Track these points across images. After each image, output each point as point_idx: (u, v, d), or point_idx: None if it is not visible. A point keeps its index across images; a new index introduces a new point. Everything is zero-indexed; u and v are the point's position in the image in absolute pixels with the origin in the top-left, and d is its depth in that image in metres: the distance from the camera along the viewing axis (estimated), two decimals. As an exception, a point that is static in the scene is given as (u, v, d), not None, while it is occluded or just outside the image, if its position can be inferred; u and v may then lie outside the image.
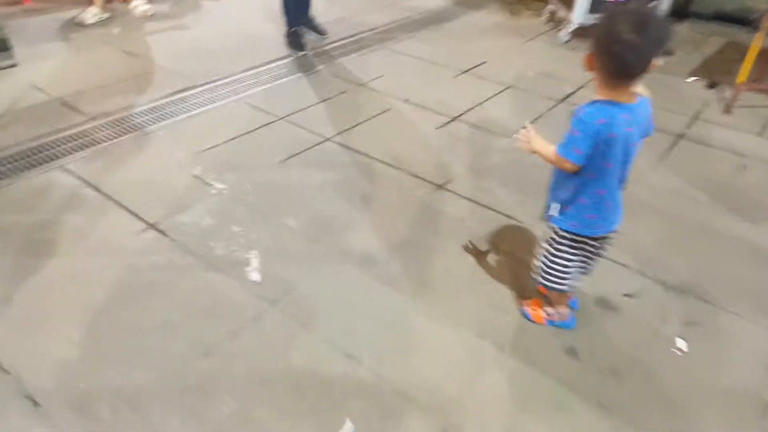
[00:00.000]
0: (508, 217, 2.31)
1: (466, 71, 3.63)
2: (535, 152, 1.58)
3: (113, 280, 1.90)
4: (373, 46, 3.96)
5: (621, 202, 1.58)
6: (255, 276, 1.93)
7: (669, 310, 1.90)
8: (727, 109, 3.26)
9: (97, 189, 2.35)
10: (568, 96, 3.36)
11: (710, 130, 3.07)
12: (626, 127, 1.41)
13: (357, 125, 2.93)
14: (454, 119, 3.05)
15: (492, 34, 4.33)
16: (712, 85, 3.60)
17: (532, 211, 2.32)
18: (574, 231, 1.60)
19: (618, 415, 1.55)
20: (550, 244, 1.66)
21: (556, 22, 4.50)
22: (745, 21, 4.66)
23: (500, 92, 3.38)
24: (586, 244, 1.63)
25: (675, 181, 2.57)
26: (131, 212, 2.21)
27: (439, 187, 2.48)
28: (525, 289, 1.93)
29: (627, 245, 2.07)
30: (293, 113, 3.00)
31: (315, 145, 2.73)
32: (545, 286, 1.72)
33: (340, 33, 4.08)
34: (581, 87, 3.48)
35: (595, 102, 1.43)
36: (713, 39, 4.46)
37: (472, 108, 3.16)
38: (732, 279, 2.05)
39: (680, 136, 2.99)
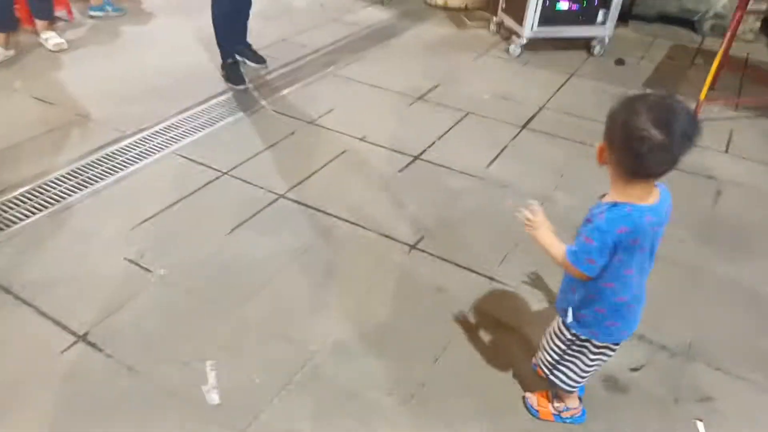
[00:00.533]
0: (491, 279, 2.10)
1: (421, 98, 3.40)
2: (538, 241, 1.35)
3: None
4: (319, 72, 3.66)
5: (645, 292, 1.37)
6: (213, 397, 1.62)
7: (680, 385, 1.74)
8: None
9: (7, 290, 1.97)
10: (529, 120, 3.19)
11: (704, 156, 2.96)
12: (651, 227, 1.21)
13: (312, 175, 2.64)
14: (416, 159, 2.81)
15: (441, 49, 4.12)
16: (620, 62, 3.53)
17: (516, 272, 2.13)
18: (594, 339, 1.39)
19: None
20: (564, 343, 1.45)
21: (504, 34, 4.34)
22: (686, 22, 4.67)
23: (459, 121, 3.17)
24: (609, 348, 1.42)
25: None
26: (53, 320, 1.85)
27: (413, 247, 2.24)
28: (526, 375, 1.73)
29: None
30: (238, 165, 2.67)
31: (267, 206, 2.42)
32: (554, 384, 1.52)
33: (280, 58, 3.76)
34: (541, 108, 3.32)
35: (615, 206, 1.20)
36: (659, 42, 4.42)
37: (432, 144, 2.93)
38: (733, 335, 1.92)
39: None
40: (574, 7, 3.91)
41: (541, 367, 1.55)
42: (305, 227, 2.32)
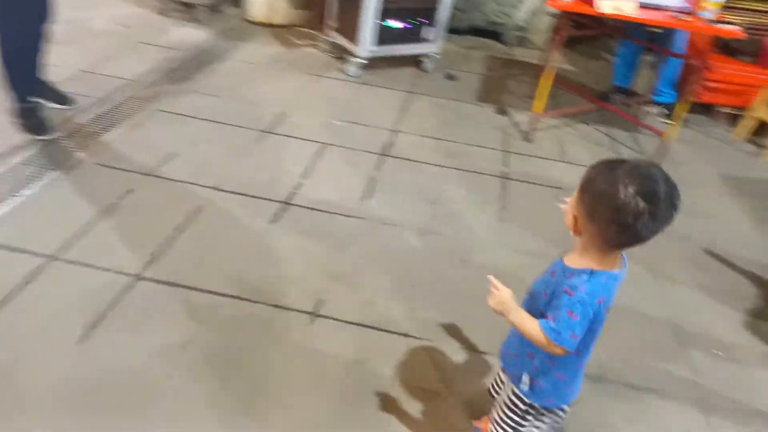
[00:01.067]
0: (406, 336, 1.96)
1: (268, 130, 3.11)
2: (513, 323, 1.23)
3: None
4: (143, 109, 3.13)
5: None
6: None
7: (606, 408, 1.79)
8: (527, 137, 3.40)
9: None
10: (388, 147, 3.11)
11: (524, 164, 3.14)
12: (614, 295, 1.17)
13: (170, 243, 2.22)
14: (286, 205, 2.54)
15: (274, 71, 3.84)
16: (450, 77, 3.74)
17: (428, 321, 2.02)
18: (551, 406, 1.33)
19: None
20: (518, 415, 1.36)
21: (336, 53, 4.21)
22: (494, 34, 5.04)
23: (318, 153, 2.96)
24: (562, 410, 1.37)
25: (528, 239, 2.52)
26: None
27: (313, 315, 1.99)
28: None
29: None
30: (68, 244, 2.13)
31: (122, 294, 1.96)
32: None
33: (89, 95, 3.14)
34: (394, 132, 3.27)
35: (592, 275, 1.12)
36: (475, 54, 4.69)
37: (298, 185, 2.69)
38: (631, 352, 2.05)
39: (506, 177, 2.99)
40: (405, 25, 3.94)
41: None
42: (180, 314, 1.92)
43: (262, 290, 2.05)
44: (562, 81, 4.29)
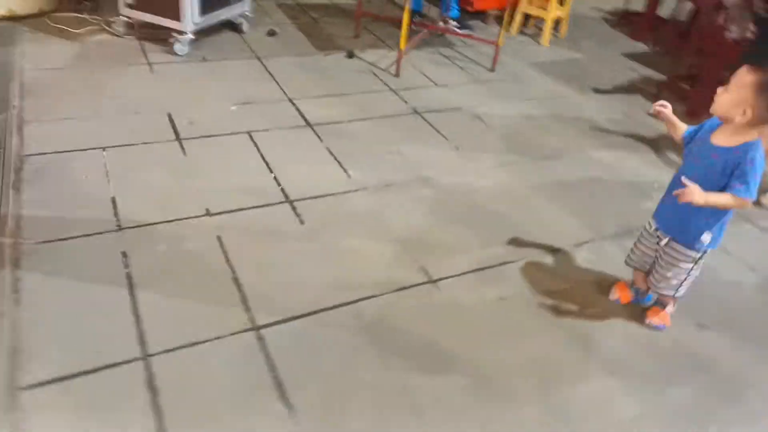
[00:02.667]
0: (505, 264, 2.21)
1: (181, 138, 2.68)
2: (707, 205, 1.63)
3: None
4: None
5: None
6: None
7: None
8: (398, 73, 3.66)
9: None
10: (306, 118, 3.01)
11: (415, 96, 3.43)
12: None
13: (242, 286, 1.91)
14: (291, 203, 2.37)
15: (98, 72, 3.16)
16: (351, 55, 3.86)
17: (502, 247, 2.28)
18: (712, 247, 1.82)
19: None
20: (692, 263, 1.83)
21: (141, 33, 3.60)
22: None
23: (255, 144, 2.72)
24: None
25: (490, 157, 2.92)
26: None
27: (432, 283, 2.06)
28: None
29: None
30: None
31: (261, 350, 1.70)
32: (679, 297, 1.92)
33: None
34: (296, 101, 3.15)
35: (757, 142, 1.61)
36: (268, 4, 4.54)
37: (278, 180, 2.48)
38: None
39: (417, 112, 3.25)
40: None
41: (663, 294, 1.92)
42: (344, 336, 1.78)
43: (370, 285, 2.01)
44: (374, 15, 4.59)
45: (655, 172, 2.95)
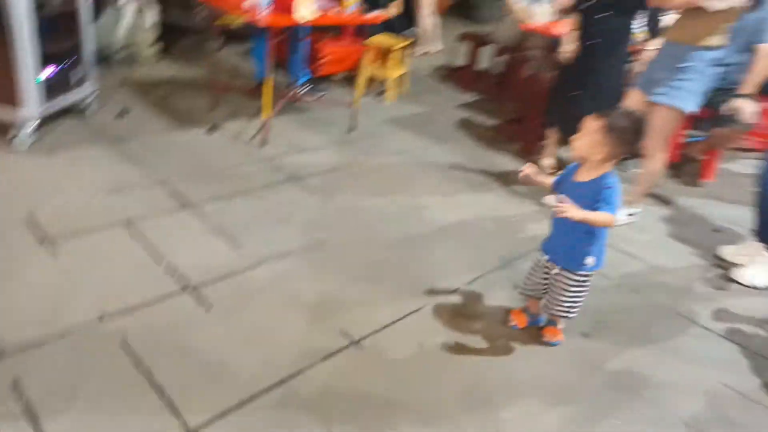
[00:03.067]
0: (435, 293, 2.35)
1: (48, 240, 2.46)
2: (583, 220, 1.94)
3: None
4: None
5: None
6: None
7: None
8: (264, 142, 3.72)
9: None
10: (185, 201, 2.93)
11: (290, 164, 3.52)
12: None
13: (169, 389, 1.79)
14: (191, 289, 2.28)
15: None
16: (213, 129, 3.84)
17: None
18: (597, 268, 2.14)
19: None
20: (580, 286, 2.13)
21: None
22: (105, 59, 4.68)
23: (138, 234, 2.59)
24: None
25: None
26: None
27: (356, 343, 2.12)
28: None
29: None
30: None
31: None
32: (570, 318, 2.22)
33: None
34: (167, 183, 3.05)
35: (612, 172, 1.98)
36: (111, 80, 4.33)
37: (174, 266, 2.38)
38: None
39: (297, 178, 3.33)
40: (58, 69, 3.38)
41: (558, 316, 2.20)
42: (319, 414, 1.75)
43: (296, 358, 2.02)
44: (229, 87, 4.59)
45: (511, 207, 3.36)
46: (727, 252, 3.01)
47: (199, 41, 5.45)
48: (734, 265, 2.92)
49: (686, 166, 4.01)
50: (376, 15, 4.02)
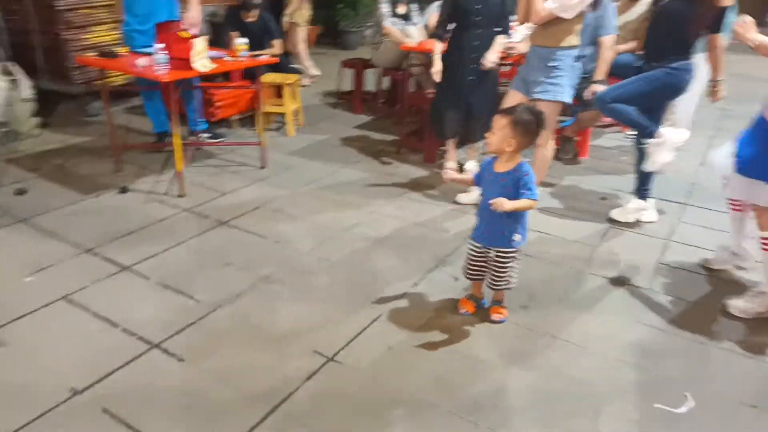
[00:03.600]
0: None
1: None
2: (513, 209, 2.25)
3: None
4: None
5: None
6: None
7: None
8: (182, 193, 3.72)
9: None
10: (130, 263, 2.90)
11: (216, 210, 3.57)
12: None
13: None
14: (153, 347, 2.29)
15: None
16: (124, 190, 3.76)
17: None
18: (524, 243, 2.46)
19: None
20: (513, 259, 2.44)
21: None
22: None
23: (78, 310, 2.54)
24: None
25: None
26: None
27: (330, 360, 2.26)
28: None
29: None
30: None
31: None
32: (511, 288, 2.51)
33: None
34: (96, 248, 2.99)
35: (524, 162, 2.30)
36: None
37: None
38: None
39: (224, 223, 3.39)
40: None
41: (501, 289, 2.50)
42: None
43: (281, 385, 2.13)
44: (130, 145, 4.48)
45: (430, 210, 3.65)
46: (616, 214, 3.52)
47: (80, 105, 5.27)
48: (624, 223, 3.43)
49: (565, 147, 4.56)
50: (269, 58, 4.19)
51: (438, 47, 3.64)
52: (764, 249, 2.56)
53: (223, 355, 2.30)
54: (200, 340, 2.37)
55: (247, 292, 2.71)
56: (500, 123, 2.29)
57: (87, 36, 5.16)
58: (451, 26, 3.64)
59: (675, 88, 3.13)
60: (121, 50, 4.03)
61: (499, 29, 3.52)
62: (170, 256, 3.00)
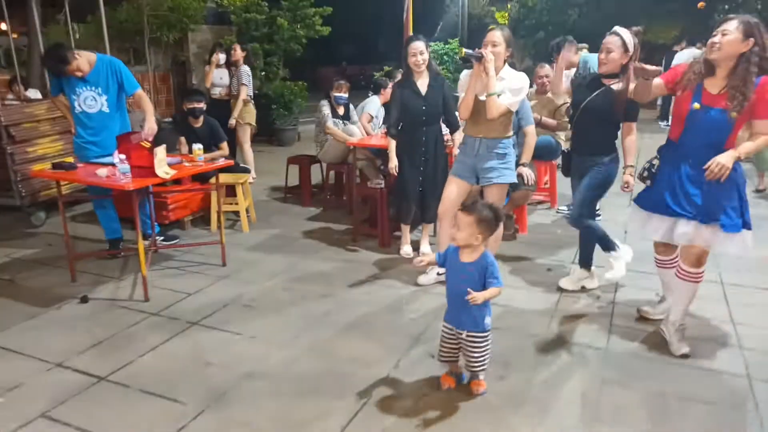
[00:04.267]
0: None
1: None
2: (485, 299, 2.48)
3: None
4: None
5: None
6: None
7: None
8: (147, 297, 3.70)
9: None
10: (104, 373, 2.83)
11: (178, 310, 3.57)
12: None
13: None
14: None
15: None
16: (85, 300, 3.69)
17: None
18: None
19: None
20: (487, 341, 2.63)
21: None
22: None
23: (63, 426, 2.45)
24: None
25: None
26: None
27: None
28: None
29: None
30: None
31: None
32: (485, 369, 2.69)
33: None
34: (65, 362, 2.91)
35: (487, 252, 2.57)
36: None
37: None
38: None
39: (192, 323, 3.39)
40: None
41: (478, 371, 2.66)
42: None
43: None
44: (85, 254, 4.41)
45: (396, 292, 3.83)
46: (564, 283, 3.85)
47: (22, 217, 5.17)
48: (573, 291, 3.77)
49: (506, 224, 4.95)
50: (225, 161, 4.39)
51: (392, 145, 4.02)
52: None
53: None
54: (195, 444, 2.35)
55: (231, 393, 2.71)
56: (465, 221, 2.55)
57: (32, 149, 5.17)
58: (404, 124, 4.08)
59: (612, 179, 3.58)
60: (69, 160, 4.10)
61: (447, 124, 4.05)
62: (144, 362, 2.97)
